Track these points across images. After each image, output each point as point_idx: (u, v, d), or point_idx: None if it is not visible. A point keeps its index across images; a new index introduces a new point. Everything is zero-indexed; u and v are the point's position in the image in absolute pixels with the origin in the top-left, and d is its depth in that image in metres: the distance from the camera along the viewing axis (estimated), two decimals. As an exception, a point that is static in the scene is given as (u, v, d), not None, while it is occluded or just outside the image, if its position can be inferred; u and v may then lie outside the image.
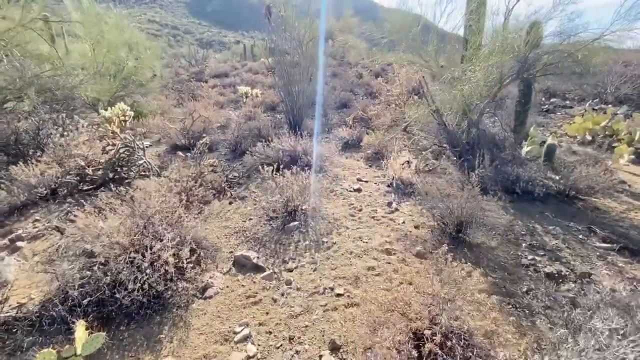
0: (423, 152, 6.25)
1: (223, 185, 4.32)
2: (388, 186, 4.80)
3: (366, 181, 5.03)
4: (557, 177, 4.74)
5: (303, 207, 3.71)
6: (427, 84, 6.20)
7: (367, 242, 3.14)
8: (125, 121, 7.92)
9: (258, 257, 2.88)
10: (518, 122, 6.96)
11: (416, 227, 3.53)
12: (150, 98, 11.78)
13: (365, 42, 16.13)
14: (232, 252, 3.01)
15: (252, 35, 48.20)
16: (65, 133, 4.91)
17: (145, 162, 4.45)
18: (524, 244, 3.35)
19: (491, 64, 4.21)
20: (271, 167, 3.87)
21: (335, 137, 7.52)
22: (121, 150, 4.50)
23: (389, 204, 4.11)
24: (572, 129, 7.81)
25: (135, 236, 2.61)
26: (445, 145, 6.36)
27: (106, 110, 7.91)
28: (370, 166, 5.91)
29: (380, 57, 7.88)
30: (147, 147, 6.69)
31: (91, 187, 4.39)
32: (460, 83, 4.59)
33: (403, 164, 5.66)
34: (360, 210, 3.92)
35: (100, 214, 3.12)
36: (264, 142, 6.99)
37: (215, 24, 58.71)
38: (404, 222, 3.61)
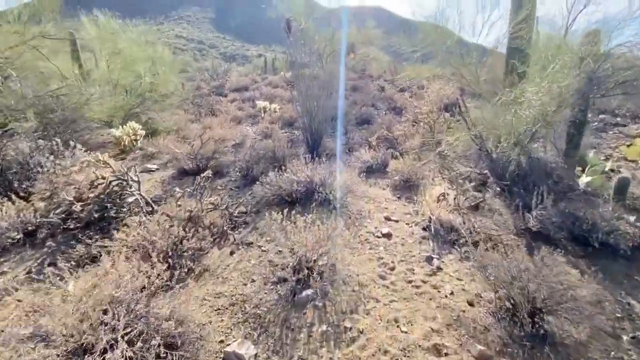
0: (460, 182, 5.29)
1: (225, 227, 3.54)
2: (424, 229, 3.88)
3: (396, 220, 4.13)
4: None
5: (320, 264, 2.86)
6: (464, 103, 5.27)
7: (406, 332, 2.24)
8: (135, 140, 7.40)
9: (257, 357, 2.04)
10: (571, 145, 5.87)
11: (470, 303, 2.59)
12: (168, 114, 11.39)
13: (388, 55, 15.29)
14: (222, 341, 2.19)
15: (274, 49, 48.39)
16: (57, 161, 4.30)
17: (138, 197, 3.75)
18: (624, 337, 2.35)
19: (565, 84, 3.26)
20: (280, 215, 3.05)
21: (357, 160, 6.65)
22: (113, 183, 3.83)
23: (429, 260, 3.19)
24: (632, 153, 6.62)
25: (88, 324, 1.85)
26: (485, 172, 5.37)
27: (118, 128, 7.44)
28: (398, 198, 5.00)
29: (411, 71, 6.99)
30: (153, 170, 6.07)
31: (78, 225, 3.73)
32: (518, 106, 3.65)
33: (439, 197, 4.73)
34: (393, 269, 3.03)
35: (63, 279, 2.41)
36: (278, 167, 6.23)
37: (238, 38, 59.60)
38: (452, 294, 2.68)
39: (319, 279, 2.73)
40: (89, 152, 6.69)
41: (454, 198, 4.51)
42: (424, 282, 2.82)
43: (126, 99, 8.57)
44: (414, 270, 3.01)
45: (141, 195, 3.89)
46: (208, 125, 10.07)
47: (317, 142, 7.43)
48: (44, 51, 6.96)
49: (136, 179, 3.88)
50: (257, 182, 4.92)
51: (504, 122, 3.92)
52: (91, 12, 8.22)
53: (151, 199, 4.48)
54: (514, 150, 4.33)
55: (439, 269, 3.05)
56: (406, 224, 4.07)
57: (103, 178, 3.69)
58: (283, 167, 6.33)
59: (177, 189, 4.30)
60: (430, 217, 3.99)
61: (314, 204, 4.28)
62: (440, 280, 2.85)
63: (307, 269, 2.78)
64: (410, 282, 2.82)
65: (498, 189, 4.97)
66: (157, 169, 6.15)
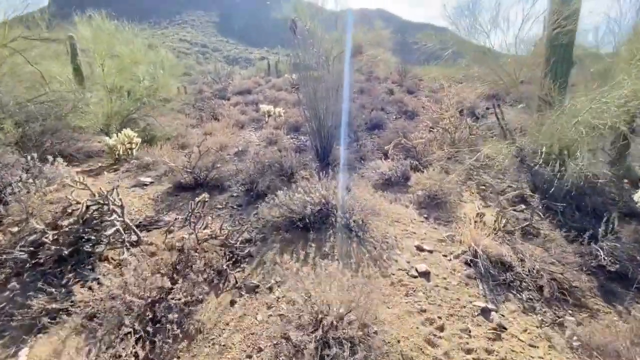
0: (497, 199, 4.54)
1: (225, 266, 2.82)
2: (467, 264, 3.14)
3: (430, 251, 3.38)
4: None
5: (346, 322, 2.13)
6: (501, 110, 4.52)
7: None
8: (131, 149, 6.71)
9: None
10: (617, 154, 5.12)
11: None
12: (169, 119, 10.71)
13: (396, 56, 14.55)
14: None
15: (277, 52, 47.78)
16: (32, 180, 3.60)
17: (120, 226, 3.03)
18: None
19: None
20: (291, 255, 2.33)
21: (372, 171, 5.93)
22: (92, 208, 3.12)
23: (485, 313, 2.45)
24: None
25: None
26: (524, 187, 4.62)
27: (112, 136, 6.76)
28: (426, 218, 4.26)
29: (437, 71, 6.27)
30: (147, 184, 5.37)
31: (49, 258, 3.02)
32: (589, 113, 2.90)
33: (474, 219, 3.99)
34: (442, 328, 2.28)
35: None
36: (286, 180, 5.51)
37: (241, 41, 59.07)
38: (532, 374, 1.95)
39: (347, 348, 1.99)
40: (75, 164, 6.03)
41: (495, 221, 3.77)
42: (488, 352, 2.08)
43: (123, 104, 7.90)
44: (469, 330, 2.26)
45: (125, 222, 3.17)
46: (209, 130, 9.38)
47: (328, 150, 6.72)
48: (32, 54, 6.32)
49: (119, 202, 3.17)
50: (264, 201, 4.22)
51: (560, 132, 3.18)
52: (84, 12, 7.54)
53: (139, 223, 3.77)
54: (565, 163, 3.57)
55: (502, 328, 2.30)
56: (443, 255, 3.33)
57: (78, 203, 2.98)
58: (292, 180, 5.62)
59: (167, 218, 3.58)
60: (472, 248, 3.25)
61: (330, 230, 3.56)
62: (509, 350, 2.10)
63: (330, 327, 2.05)
64: (469, 351, 2.08)
65: (541, 207, 4.22)
66: (151, 182, 5.44)
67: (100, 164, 6.41)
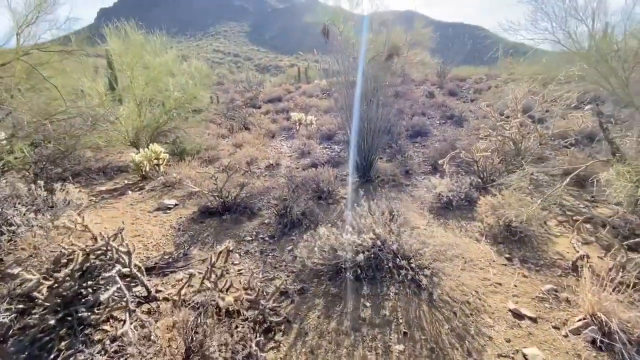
0: (602, 232, 3.41)
1: (255, 346, 2.02)
2: (593, 343, 2.12)
3: (533, 319, 2.39)
4: None
5: None
6: (605, 127, 3.40)
7: None
8: (158, 165, 6.23)
9: None
10: None
11: None
12: (201, 129, 10.34)
13: (434, 57, 13.32)
14: None
15: (306, 58, 47.53)
16: (33, 215, 3.05)
17: (122, 284, 2.34)
18: None
19: None
20: (348, 337, 1.47)
21: (425, 189, 4.96)
22: (91, 257, 2.46)
23: None
24: None
25: None
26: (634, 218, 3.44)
27: (139, 151, 6.34)
28: (509, 259, 3.23)
29: (526, 68, 5.20)
30: (171, 207, 4.77)
31: (39, 321, 2.39)
32: None
33: (576, 264, 2.95)
34: None
35: None
36: (325, 202, 4.70)
37: (272, 49, 59.55)
38: None
39: None
40: (100, 182, 5.60)
41: (611, 269, 2.68)
42: None
43: (153, 116, 7.50)
44: None
45: (132, 271, 2.49)
46: (239, 141, 8.80)
47: (368, 163, 5.84)
48: (66, 69, 6.02)
49: (125, 247, 2.49)
50: (299, 231, 3.42)
51: None
52: (113, 23, 7.23)
53: (154, 265, 3.10)
54: None
55: None
56: (553, 327, 2.32)
57: (72, 252, 2.33)
58: (330, 201, 4.80)
59: (185, 273, 2.87)
60: (596, 317, 2.22)
61: (388, 282, 2.67)
62: None
63: None
64: None
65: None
66: (175, 204, 4.85)
67: (126, 181, 5.97)
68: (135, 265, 2.55)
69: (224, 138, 10.00)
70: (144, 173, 5.86)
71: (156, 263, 3.13)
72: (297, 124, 10.49)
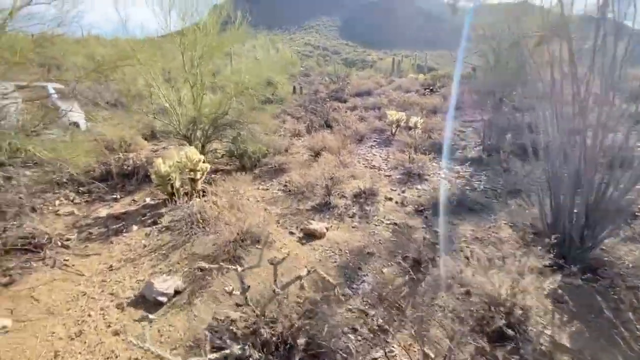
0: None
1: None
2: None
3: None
4: None
5: None
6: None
7: None
8: (195, 179, 4.02)
9: None
10: None
11: None
12: (277, 122, 8.15)
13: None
14: None
15: (395, 53, 42.94)
16: None
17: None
18: None
19: None
20: None
21: None
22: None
23: None
24: None
25: None
26: None
27: (193, 144, 4.19)
28: None
29: None
30: (163, 302, 2.39)
31: None
32: None
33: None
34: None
35: None
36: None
37: (361, 44, 56.05)
38: None
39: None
40: (114, 197, 3.58)
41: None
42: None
43: (212, 103, 5.38)
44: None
45: None
46: (318, 146, 6.16)
47: (587, 239, 2.62)
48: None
49: None
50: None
51: None
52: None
53: None
54: None
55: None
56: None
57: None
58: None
59: None
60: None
61: None
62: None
63: None
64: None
65: None
66: (175, 294, 2.45)
67: (148, 199, 3.89)
68: None
69: (300, 137, 7.56)
70: (172, 190, 3.66)
71: None
72: (395, 125, 7.45)
